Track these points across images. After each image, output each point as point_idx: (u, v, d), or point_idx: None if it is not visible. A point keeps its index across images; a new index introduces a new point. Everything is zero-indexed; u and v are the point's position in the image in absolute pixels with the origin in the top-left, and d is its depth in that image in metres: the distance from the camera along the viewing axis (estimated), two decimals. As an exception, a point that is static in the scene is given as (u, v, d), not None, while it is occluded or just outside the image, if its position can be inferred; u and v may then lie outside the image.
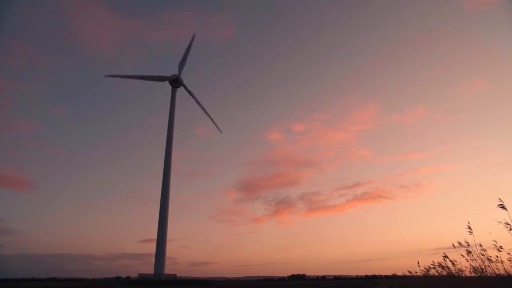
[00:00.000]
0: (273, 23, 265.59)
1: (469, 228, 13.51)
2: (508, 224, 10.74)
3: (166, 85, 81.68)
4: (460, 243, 14.51)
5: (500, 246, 12.22)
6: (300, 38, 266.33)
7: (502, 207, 10.84)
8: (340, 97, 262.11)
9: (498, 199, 10.91)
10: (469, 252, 14.07)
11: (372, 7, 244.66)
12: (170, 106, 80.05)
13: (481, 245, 13.53)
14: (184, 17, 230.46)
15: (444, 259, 17.24)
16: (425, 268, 22.41)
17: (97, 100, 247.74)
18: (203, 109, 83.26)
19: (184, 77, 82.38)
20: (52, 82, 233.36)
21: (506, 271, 11.94)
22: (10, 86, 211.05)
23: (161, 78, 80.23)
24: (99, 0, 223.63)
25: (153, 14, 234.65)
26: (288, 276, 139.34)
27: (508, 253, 12.10)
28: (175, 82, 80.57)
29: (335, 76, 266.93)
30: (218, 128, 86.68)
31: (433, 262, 19.95)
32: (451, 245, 15.10)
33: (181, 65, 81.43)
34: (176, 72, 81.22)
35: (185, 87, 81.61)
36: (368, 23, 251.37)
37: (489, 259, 12.89)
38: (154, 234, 69.33)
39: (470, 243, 14.02)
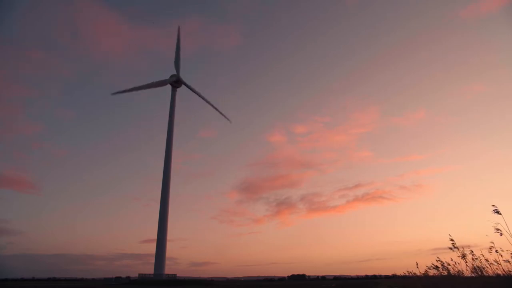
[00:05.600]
0: (273, 25, 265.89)
1: (452, 240, 13.75)
2: (499, 229, 10.73)
3: (167, 86, 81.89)
4: (457, 247, 14.50)
5: (496, 250, 12.23)
6: (301, 40, 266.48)
7: (497, 212, 10.81)
8: (341, 99, 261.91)
9: (492, 206, 10.86)
10: (465, 255, 14.08)
11: (373, 9, 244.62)
12: (170, 106, 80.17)
13: (485, 253, 13.55)
14: (191, 26, 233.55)
15: (440, 260, 17.31)
16: (425, 268, 22.41)
17: (99, 102, 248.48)
18: (208, 102, 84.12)
19: (188, 81, 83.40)
20: (59, 87, 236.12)
21: (506, 271, 11.94)
22: (19, 91, 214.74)
23: (162, 83, 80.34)
24: (109, 8, 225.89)
25: (161, 23, 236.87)
26: (288, 276, 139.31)
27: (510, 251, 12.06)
28: (176, 82, 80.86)
29: (336, 78, 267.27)
30: (226, 118, 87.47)
31: (434, 262, 19.91)
32: (450, 246, 15.06)
33: (177, 64, 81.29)
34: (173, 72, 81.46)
35: (186, 85, 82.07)
36: (369, 25, 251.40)
37: (488, 260, 12.89)
38: (155, 235, 69.43)
39: (469, 244, 14.05)
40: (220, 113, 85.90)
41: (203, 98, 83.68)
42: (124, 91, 77.15)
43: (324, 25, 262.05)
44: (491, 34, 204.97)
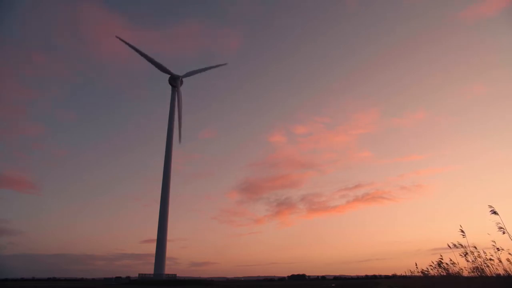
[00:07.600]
0: (273, 26, 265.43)
1: (462, 231, 13.66)
2: (502, 228, 10.79)
3: (167, 85, 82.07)
4: (461, 244, 14.49)
5: (497, 248, 12.22)
6: (301, 40, 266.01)
7: (494, 212, 10.88)
8: (341, 100, 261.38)
9: (489, 206, 10.96)
10: (467, 253, 14.08)
11: (373, 9, 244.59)
12: (170, 107, 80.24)
13: (475, 247, 13.53)
14: (192, 30, 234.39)
15: (442, 259, 17.30)
16: (425, 268, 22.42)
17: (100, 102, 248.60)
18: (205, 69, 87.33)
19: (188, 80, 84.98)
20: (60, 88, 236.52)
21: (505, 271, 11.94)
22: (20, 92, 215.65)
23: (176, 94, 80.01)
24: (110, 10, 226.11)
25: (164, 26, 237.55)
26: (288, 276, 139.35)
27: (509, 253, 12.08)
28: (175, 81, 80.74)
29: (336, 78, 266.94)
30: (222, 64, 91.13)
31: (433, 262, 19.93)
32: (450, 246, 15.07)
33: (161, 68, 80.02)
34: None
35: (185, 76, 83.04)
36: (369, 24, 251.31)
37: (488, 259, 12.88)
38: (155, 235, 69.38)
39: (469, 244, 14.05)
40: (216, 66, 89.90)
41: (201, 70, 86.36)
42: (180, 133, 79.68)
43: (324, 25, 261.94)
44: (491, 35, 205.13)
